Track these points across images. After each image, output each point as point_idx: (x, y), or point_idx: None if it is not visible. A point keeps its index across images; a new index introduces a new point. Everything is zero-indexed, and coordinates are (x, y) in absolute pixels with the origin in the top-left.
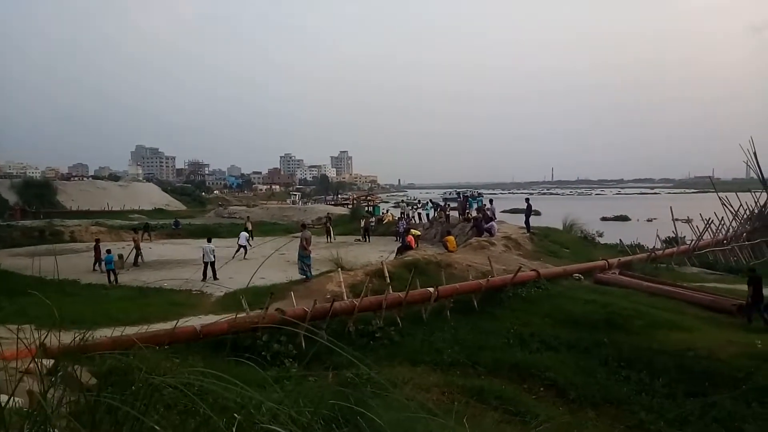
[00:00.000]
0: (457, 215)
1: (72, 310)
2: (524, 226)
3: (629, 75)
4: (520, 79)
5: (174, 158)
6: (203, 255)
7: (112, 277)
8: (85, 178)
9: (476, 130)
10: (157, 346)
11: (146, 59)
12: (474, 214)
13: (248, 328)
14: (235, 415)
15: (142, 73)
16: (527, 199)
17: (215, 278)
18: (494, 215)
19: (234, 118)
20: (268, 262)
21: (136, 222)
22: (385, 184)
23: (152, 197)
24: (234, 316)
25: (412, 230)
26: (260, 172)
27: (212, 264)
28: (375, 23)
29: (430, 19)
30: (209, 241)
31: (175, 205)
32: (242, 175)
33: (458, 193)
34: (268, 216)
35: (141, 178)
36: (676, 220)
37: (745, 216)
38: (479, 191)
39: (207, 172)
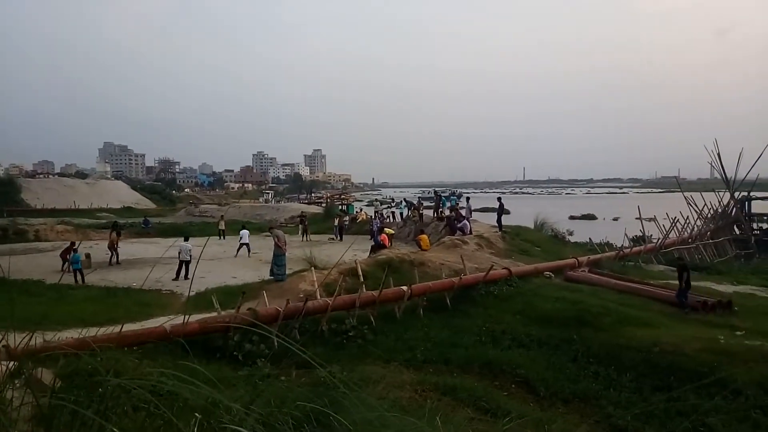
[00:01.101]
0: (431, 214)
1: (36, 311)
2: (496, 224)
3: (599, 79)
4: (494, 82)
5: (144, 156)
6: (179, 253)
7: (79, 277)
8: (50, 176)
9: (450, 130)
10: (125, 347)
11: (116, 55)
12: (447, 212)
13: (220, 328)
14: (196, 414)
15: (110, 70)
16: (499, 198)
17: (186, 277)
18: (470, 213)
19: (206, 115)
20: (240, 262)
21: (104, 221)
22: (359, 183)
23: (121, 195)
24: (205, 316)
25: (386, 229)
26: (232, 170)
27: (187, 263)
28: (351, 20)
29: (407, 18)
30: (186, 239)
31: (144, 203)
32: (214, 173)
33: (435, 192)
34: (240, 215)
35: (109, 176)
36: (640, 218)
37: (709, 215)
38: (459, 191)
39: (178, 169)
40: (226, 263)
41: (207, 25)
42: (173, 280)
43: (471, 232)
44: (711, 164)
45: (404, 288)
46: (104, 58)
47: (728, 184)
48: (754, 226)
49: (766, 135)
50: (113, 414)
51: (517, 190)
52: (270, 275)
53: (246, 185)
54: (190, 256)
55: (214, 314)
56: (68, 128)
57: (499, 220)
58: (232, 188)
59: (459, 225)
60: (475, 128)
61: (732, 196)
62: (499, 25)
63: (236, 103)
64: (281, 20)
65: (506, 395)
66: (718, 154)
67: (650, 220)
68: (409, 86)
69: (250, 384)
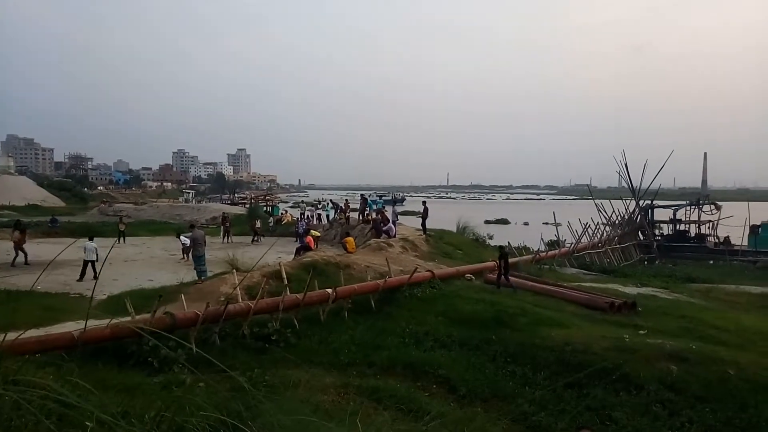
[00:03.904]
0: (357, 216)
1: None
2: (421, 228)
3: (517, 87)
4: (419, 89)
5: (52, 150)
6: (84, 253)
7: None
8: None
9: (376, 134)
10: (26, 354)
11: (21, 41)
12: (374, 215)
13: (133, 333)
14: (87, 423)
15: (12, 56)
16: (424, 202)
17: (95, 278)
18: (396, 216)
19: (122, 109)
20: (157, 263)
21: (5, 219)
22: (285, 184)
23: (25, 192)
24: (117, 321)
25: (312, 231)
26: (150, 168)
27: (93, 263)
28: (278, 16)
29: (337, 13)
30: (91, 239)
31: (52, 201)
32: (130, 170)
33: (379, 196)
34: (158, 215)
35: (12, 171)
36: (552, 223)
37: (617, 221)
38: (402, 194)
39: (90, 166)
40: (141, 265)
41: (122, 13)
42: (78, 281)
43: (396, 235)
44: (619, 173)
45: (329, 290)
46: (7, 44)
47: (634, 192)
48: (657, 232)
49: (668, 148)
50: (11, 429)
51: (444, 194)
52: (198, 276)
53: (165, 184)
54: (96, 255)
55: (128, 319)
56: None
57: (423, 224)
58: (150, 187)
59: (384, 228)
60: (402, 132)
61: (637, 204)
62: (424, 35)
63: (155, 98)
64: (203, 15)
65: (428, 395)
66: (626, 164)
67: (557, 225)
68: (338, 89)
69: (165, 391)
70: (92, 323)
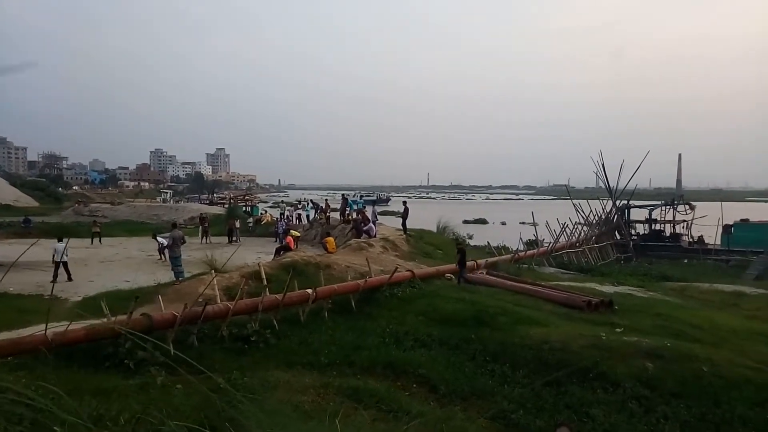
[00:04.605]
0: (338, 216)
1: None
2: (401, 227)
3: (496, 91)
4: (397, 88)
5: (25, 149)
6: (53, 255)
7: None
8: None
9: (357, 133)
10: None
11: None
12: (354, 215)
13: (109, 335)
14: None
15: None
16: (404, 202)
17: (69, 279)
18: (376, 216)
19: (98, 108)
20: (134, 264)
21: None
22: (265, 184)
23: None
24: (93, 323)
25: (291, 231)
26: (127, 168)
27: (65, 264)
28: (257, 15)
29: (318, 14)
30: (60, 240)
31: (25, 201)
32: (107, 170)
33: (360, 196)
34: (135, 215)
35: None
36: (532, 223)
37: (594, 221)
38: (387, 194)
39: (65, 165)
40: (118, 266)
41: (98, 10)
42: (51, 282)
43: (376, 235)
44: (596, 174)
45: (309, 291)
46: None
47: (611, 192)
48: (633, 231)
49: (644, 149)
50: None
51: (425, 194)
52: (176, 277)
53: (142, 184)
54: (66, 256)
55: (104, 320)
56: None
57: (404, 224)
58: (127, 187)
59: (365, 228)
60: (383, 133)
61: (614, 204)
62: (406, 35)
63: (132, 97)
64: (182, 12)
65: (408, 395)
66: (603, 165)
67: (535, 224)
68: (318, 88)
69: (142, 393)
70: (67, 325)
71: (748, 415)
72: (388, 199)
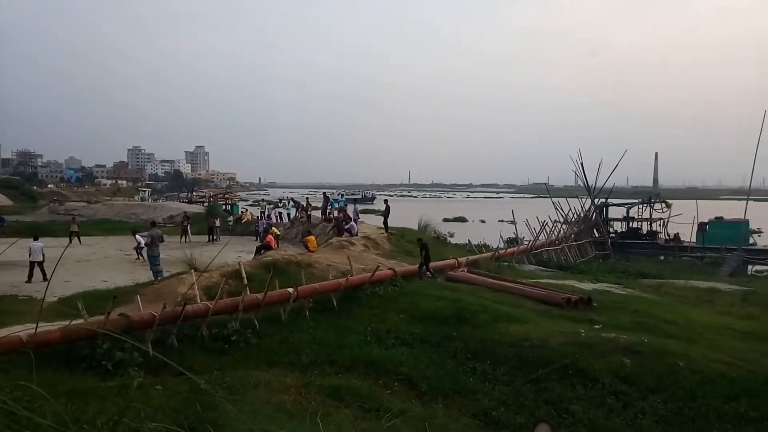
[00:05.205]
0: (319, 215)
1: None
2: (383, 226)
3: (477, 91)
4: (379, 87)
5: None
6: (30, 254)
7: None
8: None
9: (339, 132)
10: None
11: None
12: (336, 214)
13: (85, 336)
14: None
15: None
16: (386, 201)
17: (44, 279)
18: (358, 215)
19: (73, 104)
20: (111, 264)
21: None
22: (245, 182)
23: None
24: (69, 323)
25: (272, 229)
26: (104, 166)
27: (40, 264)
28: (236, 9)
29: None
30: (36, 239)
31: None
32: (83, 168)
33: (341, 195)
34: (112, 213)
35: None
36: (511, 221)
37: (573, 219)
38: (373, 193)
39: (40, 163)
40: (95, 266)
41: (74, 4)
42: (26, 282)
43: (358, 234)
44: (575, 172)
45: (290, 290)
46: None
47: (589, 191)
48: (611, 229)
49: (621, 148)
50: None
51: (406, 192)
52: (155, 277)
53: (120, 182)
54: (43, 256)
55: (81, 321)
56: None
57: (385, 222)
58: (104, 185)
59: (346, 226)
60: (364, 131)
61: (592, 202)
62: (388, 34)
63: (109, 94)
64: (162, 7)
65: (390, 393)
66: (581, 164)
67: (514, 222)
68: (299, 86)
69: (120, 395)
70: (43, 326)
71: (722, 408)
72: (373, 198)
